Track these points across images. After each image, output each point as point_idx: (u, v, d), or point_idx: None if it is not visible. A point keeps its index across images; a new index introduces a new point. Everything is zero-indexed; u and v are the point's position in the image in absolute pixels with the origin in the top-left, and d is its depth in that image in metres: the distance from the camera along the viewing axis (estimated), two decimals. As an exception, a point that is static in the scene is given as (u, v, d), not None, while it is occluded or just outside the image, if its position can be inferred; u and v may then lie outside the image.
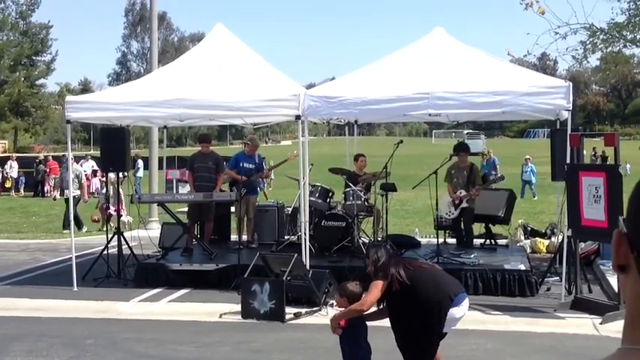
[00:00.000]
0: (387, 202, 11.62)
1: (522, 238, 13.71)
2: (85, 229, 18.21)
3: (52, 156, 34.47)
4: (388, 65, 10.94)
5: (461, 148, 11.72)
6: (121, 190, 18.91)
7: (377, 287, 5.31)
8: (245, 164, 12.25)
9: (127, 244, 11.36)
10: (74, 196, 17.71)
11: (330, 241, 11.25)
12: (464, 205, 11.22)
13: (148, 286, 10.56)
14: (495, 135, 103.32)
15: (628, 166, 33.20)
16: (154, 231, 14.35)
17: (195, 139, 58.00)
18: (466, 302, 5.47)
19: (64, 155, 33.26)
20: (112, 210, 18.13)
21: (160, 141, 17.15)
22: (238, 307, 8.97)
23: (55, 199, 18.02)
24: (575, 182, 8.88)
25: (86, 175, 30.08)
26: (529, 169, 26.02)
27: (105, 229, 17.77)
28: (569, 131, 9.39)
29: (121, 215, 18.02)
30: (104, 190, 19.19)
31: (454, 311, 5.32)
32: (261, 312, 8.76)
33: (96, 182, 30.85)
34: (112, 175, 13.84)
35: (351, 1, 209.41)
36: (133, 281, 10.83)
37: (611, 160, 30.81)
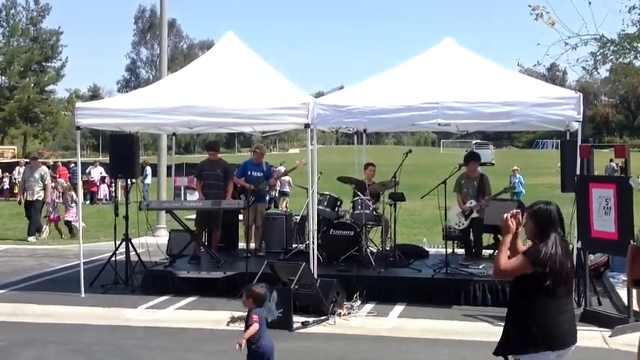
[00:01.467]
0: (395, 211, 11.60)
1: (531, 249, 13.64)
2: (44, 235, 17.73)
3: (62, 162, 34.60)
4: (397, 75, 10.93)
5: (471, 157, 11.68)
6: (74, 195, 18.79)
7: (520, 262, 4.60)
8: (253, 172, 12.25)
9: (135, 250, 11.37)
10: (37, 199, 17.16)
11: (338, 250, 11.23)
12: (474, 215, 11.18)
13: (155, 293, 10.55)
14: (504, 145, 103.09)
15: None
16: (162, 238, 14.36)
17: (203, 147, 58.05)
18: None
19: (69, 161, 33.53)
20: (67, 216, 18.03)
21: (169, 148, 17.18)
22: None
23: (19, 202, 17.65)
24: (585, 194, 8.84)
25: (93, 181, 30.27)
26: (517, 180, 25.94)
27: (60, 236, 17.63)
28: (579, 142, 9.36)
29: (71, 221, 17.97)
30: (54, 197, 18.57)
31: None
32: (269, 320, 8.69)
33: (104, 189, 31.00)
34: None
35: (360, 10, 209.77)
36: (140, 288, 10.82)
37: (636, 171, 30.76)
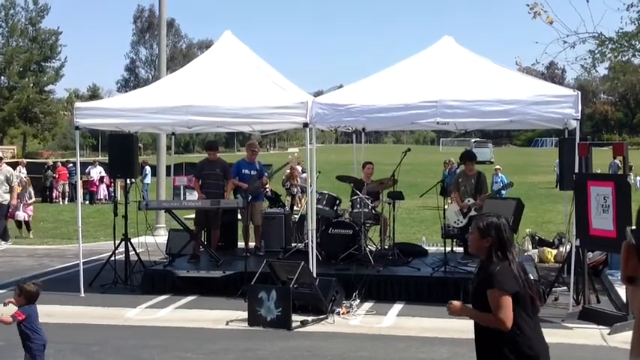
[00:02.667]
0: (394, 210, 11.61)
1: (530, 247, 13.67)
2: (10, 242, 16.70)
3: (61, 162, 34.59)
4: (396, 73, 10.94)
5: (467, 157, 11.66)
6: (32, 191, 18.54)
7: (505, 300, 4.09)
8: (246, 171, 12.23)
9: (135, 250, 11.38)
10: (2, 203, 15.97)
11: (337, 248, 11.24)
12: (472, 213, 11.18)
13: (154, 292, 10.56)
14: (503, 143, 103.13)
15: (639, 178, 32.92)
16: (161, 237, 14.36)
17: (203, 146, 58.08)
18: None
19: (68, 161, 33.45)
20: (18, 214, 17.86)
21: (168, 147, 17.18)
22: (245, 315, 8.96)
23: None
24: (584, 192, 8.85)
25: (92, 180, 30.27)
26: (499, 180, 25.92)
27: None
28: (577, 140, 9.36)
29: (21, 220, 17.78)
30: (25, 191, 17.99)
31: None
32: (268, 319, 8.75)
33: (103, 188, 31.00)
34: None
35: (359, 10, 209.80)
36: (139, 288, 10.84)
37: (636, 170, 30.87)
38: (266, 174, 12.84)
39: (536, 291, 4.27)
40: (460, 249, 12.33)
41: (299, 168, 22.87)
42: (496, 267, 4.15)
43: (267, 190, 14.83)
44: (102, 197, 30.77)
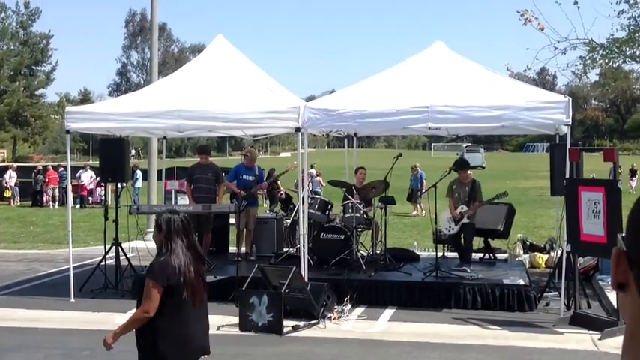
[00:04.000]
0: (386, 215, 11.61)
1: (521, 252, 13.69)
2: None
3: (52, 166, 34.44)
4: (388, 78, 10.96)
5: (460, 166, 11.65)
6: None
7: (153, 289, 4.45)
8: (244, 176, 12.24)
9: (125, 255, 11.33)
10: None
11: (328, 253, 11.23)
12: (464, 220, 11.17)
13: (145, 297, 10.50)
14: (495, 149, 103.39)
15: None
16: (152, 242, 14.30)
17: (194, 150, 57.98)
18: None
19: (59, 165, 33.30)
20: None
21: (159, 152, 17.15)
22: (236, 320, 8.93)
23: None
24: (575, 197, 8.88)
25: (83, 185, 30.15)
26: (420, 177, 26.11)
27: None
28: (568, 146, 9.40)
29: None
30: None
31: None
32: (259, 324, 8.73)
33: (99, 191, 30.86)
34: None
35: (351, 15, 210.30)
36: (130, 292, 10.76)
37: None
38: (274, 175, 12.86)
39: (200, 282, 4.50)
40: (451, 254, 12.34)
41: (313, 171, 22.87)
42: (159, 258, 4.45)
43: (282, 193, 14.87)
44: (92, 202, 30.63)
